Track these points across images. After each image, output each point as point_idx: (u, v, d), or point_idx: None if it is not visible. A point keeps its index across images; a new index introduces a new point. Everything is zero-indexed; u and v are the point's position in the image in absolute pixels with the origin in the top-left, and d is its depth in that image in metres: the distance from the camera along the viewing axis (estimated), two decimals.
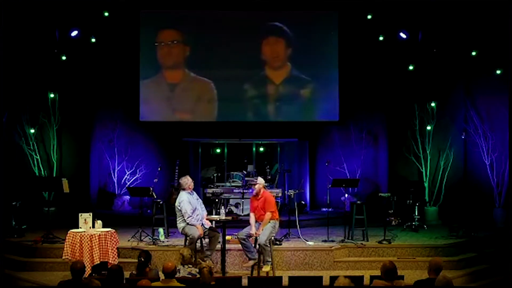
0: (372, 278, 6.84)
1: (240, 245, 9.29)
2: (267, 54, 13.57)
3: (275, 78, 13.61)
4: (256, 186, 9.25)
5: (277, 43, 13.55)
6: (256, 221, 9.28)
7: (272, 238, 9.25)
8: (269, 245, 8.96)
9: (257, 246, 9.13)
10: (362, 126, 13.52)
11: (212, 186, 12.19)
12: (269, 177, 12.56)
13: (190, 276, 8.17)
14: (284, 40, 13.53)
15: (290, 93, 13.56)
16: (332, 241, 10.36)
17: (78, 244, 8.76)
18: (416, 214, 11.81)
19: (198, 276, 7.82)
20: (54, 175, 12.64)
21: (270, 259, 8.96)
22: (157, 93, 13.64)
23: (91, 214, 9.21)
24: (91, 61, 13.13)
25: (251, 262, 9.12)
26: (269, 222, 9.10)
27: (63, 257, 8.91)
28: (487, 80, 12.47)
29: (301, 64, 13.50)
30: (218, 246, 9.39)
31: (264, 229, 9.02)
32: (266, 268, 8.92)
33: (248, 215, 11.68)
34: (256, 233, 9.10)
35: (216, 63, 13.48)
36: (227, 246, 9.33)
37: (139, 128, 13.71)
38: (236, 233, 9.37)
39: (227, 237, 9.53)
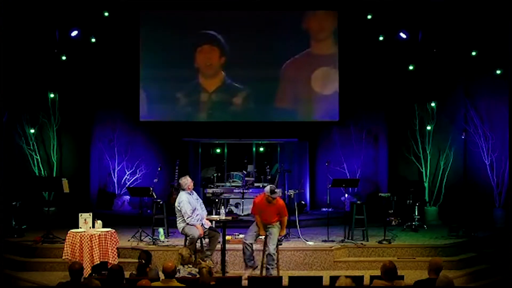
0: (372, 278, 6.84)
1: (239, 245, 9.26)
2: (200, 62, 13.57)
3: (207, 86, 13.63)
4: (278, 198, 9.13)
5: (212, 51, 13.52)
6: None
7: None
8: (277, 253, 9.00)
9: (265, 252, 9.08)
10: (362, 126, 13.52)
11: (212, 186, 12.19)
12: (269, 177, 12.56)
13: (190, 276, 8.17)
14: (218, 49, 13.50)
15: (223, 101, 13.58)
16: (332, 241, 10.36)
17: (78, 244, 8.76)
18: (416, 214, 11.81)
19: (198, 276, 7.82)
20: (54, 175, 12.64)
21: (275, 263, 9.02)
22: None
23: (91, 214, 9.20)
24: (91, 61, 13.14)
25: (250, 270, 9.08)
26: (277, 225, 9.08)
27: (63, 257, 8.91)
28: (487, 80, 12.46)
29: (235, 72, 13.49)
30: (218, 246, 9.38)
31: (273, 238, 8.96)
32: (274, 272, 8.94)
33: (248, 215, 11.76)
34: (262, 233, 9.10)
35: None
36: (227, 246, 9.31)
37: (139, 128, 13.71)
38: (244, 238, 9.22)
39: (227, 237, 9.53)
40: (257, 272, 9.14)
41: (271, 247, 8.89)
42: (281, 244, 9.91)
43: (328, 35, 13.60)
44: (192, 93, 13.59)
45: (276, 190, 9.04)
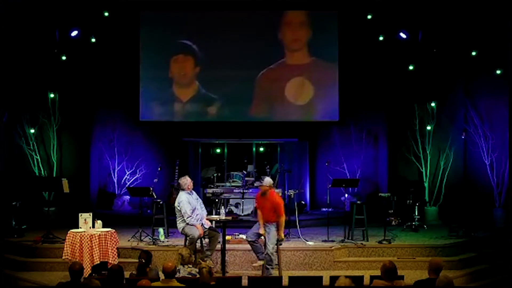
0: (372, 278, 6.84)
1: (239, 245, 9.26)
2: (174, 72, 13.55)
3: (182, 96, 13.62)
4: (262, 188, 9.05)
5: (186, 61, 13.50)
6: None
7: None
8: (276, 252, 8.97)
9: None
10: (362, 126, 13.52)
11: (212, 186, 12.18)
12: None
13: (190, 276, 8.18)
14: (193, 58, 13.49)
15: (198, 111, 13.57)
16: (332, 241, 10.36)
17: (78, 244, 8.76)
18: (416, 214, 11.81)
19: (198, 276, 7.82)
20: (54, 175, 12.64)
21: (277, 263, 9.00)
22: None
23: (91, 214, 9.20)
24: (91, 61, 13.14)
25: (261, 262, 9.09)
26: (275, 225, 9.03)
27: (63, 257, 8.91)
28: (487, 80, 12.47)
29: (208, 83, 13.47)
30: (218, 246, 9.38)
31: (270, 237, 8.92)
32: (275, 271, 8.93)
33: (248, 215, 11.79)
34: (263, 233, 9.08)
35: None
36: (227, 246, 9.32)
37: (139, 128, 13.71)
38: (245, 236, 9.29)
39: (227, 237, 9.53)
40: (257, 272, 9.15)
41: (269, 247, 8.89)
42: (281, 244, 9.90)
43: (302, 46, 13.56)
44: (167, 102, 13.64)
45: (263, 179, 9.02)
